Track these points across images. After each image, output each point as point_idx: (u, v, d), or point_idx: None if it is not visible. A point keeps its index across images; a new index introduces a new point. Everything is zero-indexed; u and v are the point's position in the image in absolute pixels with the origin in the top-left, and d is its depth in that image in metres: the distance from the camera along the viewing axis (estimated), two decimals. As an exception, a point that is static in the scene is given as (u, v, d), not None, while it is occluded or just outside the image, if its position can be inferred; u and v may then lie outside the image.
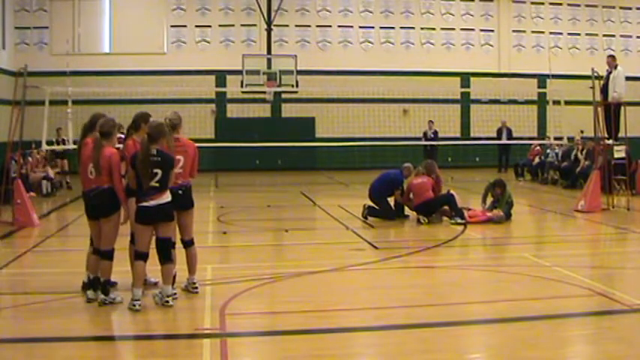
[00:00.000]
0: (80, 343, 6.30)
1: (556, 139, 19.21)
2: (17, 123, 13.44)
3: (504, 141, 25.38)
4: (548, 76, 23.22)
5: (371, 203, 13.69)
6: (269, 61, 25.12)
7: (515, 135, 25.54)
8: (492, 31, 28.95)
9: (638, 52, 29.82)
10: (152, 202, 7.11)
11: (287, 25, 27.62)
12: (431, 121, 25.58)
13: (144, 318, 6.92)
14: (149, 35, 26.71)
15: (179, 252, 7.72)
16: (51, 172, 18.87)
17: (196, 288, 7.76)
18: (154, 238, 7.33)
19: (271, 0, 27.02)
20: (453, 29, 28.70)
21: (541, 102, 27.29)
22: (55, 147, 19.26)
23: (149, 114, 7.76)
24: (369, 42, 28.20)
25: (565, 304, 7.47)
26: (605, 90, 15.53)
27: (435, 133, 25.42)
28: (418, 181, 13.41)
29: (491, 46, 28.94)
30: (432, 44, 28.56)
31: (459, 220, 12.83)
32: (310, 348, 6.08)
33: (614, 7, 29.75)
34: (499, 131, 26.12)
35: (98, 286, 7.30)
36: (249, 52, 25.79)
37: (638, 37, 29.90)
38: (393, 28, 28.36)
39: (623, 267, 9.71)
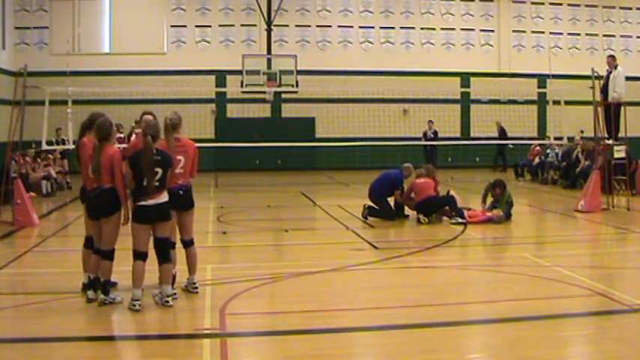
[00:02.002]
0: (80, 343, 6.30)
1: (556, 139, 19.21)
2: (17, 123, 13.44)
3: (499, 141, 25.47)
4: (548, 76, 23.20)
5: (371, 203, 13.70)
6: (269, 61, 25.12)
7: (515, 135, 25.49)
8: (492, 31, 28.96)
9: (638, 52, 29.84)
10: (151, 201, 7.11)
11: (287, 25, 27.64)
12: (431, 121, 25.59)
13: (144, 318, 6.91)
14: (149, 35, 26.71)
15: (179, 252, 7.72)
16: (52, 172, 18.87)
17: (196, 288, 7.76)
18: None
19: (271, 0, 27.03)
20: (453, 29, 28.71)
21: (541, 102, 27.30)
22: (54, 147, 19.27)
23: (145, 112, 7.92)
24: (369, 42, 28.21)
25: (565, 304, 7.47)
26: (605, 90, 15.53)
27: (435, 133, 25.42)
28: (421, 180, 13.50)
29: (491, 46, 28.95)
30: (432, 44, 28.57)
31: (459, 220, 12.84)
32: (310, 348, 6.08)
33: (614, 7, 29.77)
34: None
35: (98, 286, 7.30)
36: (249, 52, 25.80)
37: (638, 37, 29.92)
38: (393, 28, 28.37)
39: (623, 267, 9.71)
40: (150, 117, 7.70)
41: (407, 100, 26.99)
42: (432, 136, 25.27)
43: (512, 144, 25.07)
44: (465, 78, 28.15)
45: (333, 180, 23.41)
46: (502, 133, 26.08)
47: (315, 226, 14.09)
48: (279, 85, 23.88)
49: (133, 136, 8.23)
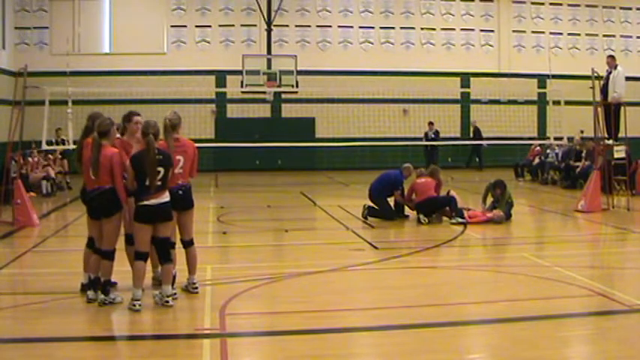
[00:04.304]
0: (80, 343, 6.30)
1: (556, 139, 19.21)
2: (17, 123, 13.44)
3: (480, 141, 25.98)
4: (548, 76, 23.22)
5: (371, 203, 13.69)
6: (269, 61, 25.13)
7: (515, 135, 25.51)
8: (492, 31, 28.95)
9: (638, 52, 29.84)
10: (153, 201, 7.10)
11: (287, 25, 27.63)
12: (431, 123, 25.71)
13: (144, 318, 6.91)
14: (149, 35, 26.71)
15: (179, 252, 7.72)
16: (52, 172, 18.88)
17: (196, 288, 7.76)
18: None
19: (271, 0, 27.03)
20: (453, 29, 28.70)
21: (541, 102, 27.32)
22: (54, 147, 19.27)
23: (132, 112, 7.80)
24: (369, 42, 28.20)
25: (565, 304, 7.47)
26: (605, 90, 15.53)
27: (436, 133, 25.53)
28: (422, 180, 13.51)
29: (491, 46, 28.95)
30: (432, 44, 28.56)
31: (459, 220, 12.83)
32: (310, 348, 6.08)
33: (614, 7, 29.77)
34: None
35: (98, 286, 7.29)
36: (249, 52, 25.81)
37: (638, 37, 29.91)
38: (393, 28, 28.36)
39: (623, 267, 9.70)
40: (140, 118, 7.64)
41: (407, 100, 26.96)
42: (433, 136, 25.36)
43: (492, 144, 25.11)
44: (465, 78, 28.15)
45: (333, 180, 23.40)
46: (477, 133, 26.40)
47: (315, 226, 14.09)
48: (279, 85, 23.89)
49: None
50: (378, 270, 9.25)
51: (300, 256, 10.32)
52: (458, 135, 27.88)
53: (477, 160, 26.85)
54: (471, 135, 27.12)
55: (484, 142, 25.95)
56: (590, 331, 6.61)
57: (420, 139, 25.31)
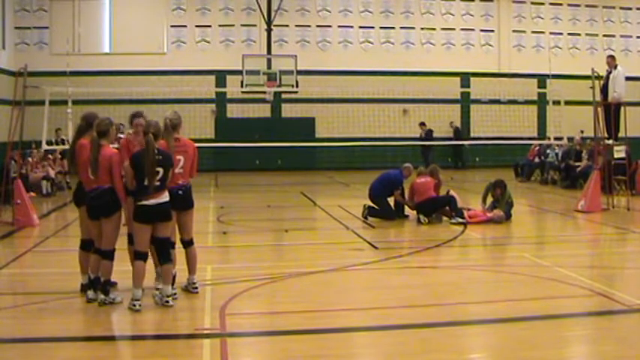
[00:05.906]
0: (80, 343, 6.30)
1: (556, 139, 19.21)
2: (17, 123, 13.44)
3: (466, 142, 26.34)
4: (548, 76, 23.21)
5: (371, 203, 13.69)
6: (269, 61, 25.14)
7: (515, 135, 25.51)
8: (492, 31, 28.97)
9: (638, 52, 29.85)
10: (152, 201, 7.10)
11: (287, 25, 27.64)
12: (422, 123, 25.91)
13: (144, 318, 6.91)
14: (149, 35, 26.72)
15: (179, 252, 7.72)
16: (51, 172, 18.87)
17: (196, 288, 7.76)
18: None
19: (271, 0, 27.04)
20: (453, 29, 28.73)
21: (541, 102, 27.32)
22: (54, 147, 19.26)
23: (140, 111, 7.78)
24: (369, 42, 28.21)
25: (565, 304, 7.47)
26: (605, 90, 15.53)
27: (428, 133, 25.74)
28: (421, 180, 13.49)
29: (491, 46, 28.96)
30: (432, 44, 28.57)
31: (459, 220, 12.83)
32: (310, 348, 6.08)
33: (614, 7, 29.79)
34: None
35: (98, 286, 7.29)
36: (249, 52, 25.81)
37: (638, 37, 29.95)
38: (393, 28, 28.38)
39: (623, 267, 9.71)
40: (142, 120, 7.61)
41: (407, 100, 26.98)
42: (425, 136, 25.60)
43: (493, 144, 25.17)
44: (465, 78, 28.16)
45: (333, 180, 23.40)
46: (457, 133, 26.54)
47: (315, 226, 14.08)
48: (279, 85, 23.90)
49: (122, 136, 8.07)
50: (378, 270, 9.25)
51: (300, 256, 10.32)
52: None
53: (459, 160, 27.17)
54: (452, 135, 27.40)
55: (466, 143, 26.12)
56: (590, 331, 6.61)
57: (419, 140, 25.41)
